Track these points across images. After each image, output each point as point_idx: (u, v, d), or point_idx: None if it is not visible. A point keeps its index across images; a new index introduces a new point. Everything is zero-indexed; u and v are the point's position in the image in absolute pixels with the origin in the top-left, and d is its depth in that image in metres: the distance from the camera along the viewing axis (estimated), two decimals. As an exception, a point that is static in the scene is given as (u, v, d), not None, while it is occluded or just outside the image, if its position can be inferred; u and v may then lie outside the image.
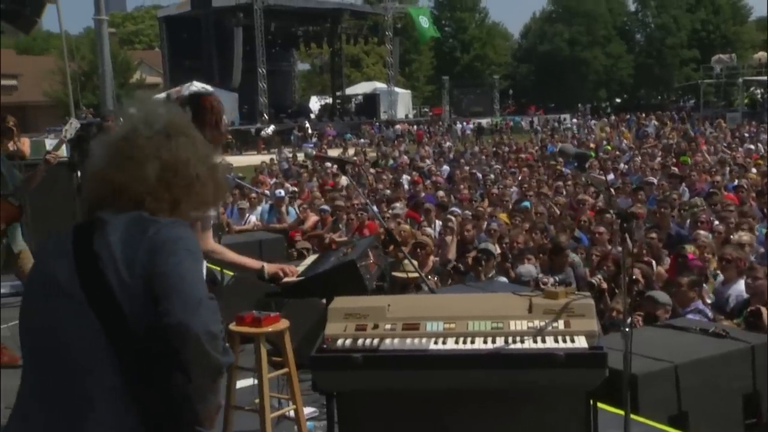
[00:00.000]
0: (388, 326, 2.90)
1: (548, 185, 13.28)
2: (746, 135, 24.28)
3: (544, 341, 2.79)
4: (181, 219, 1.96)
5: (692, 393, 4.31)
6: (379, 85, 49.52)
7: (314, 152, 18.64)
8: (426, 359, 2.79)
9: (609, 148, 21.89)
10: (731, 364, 4.50)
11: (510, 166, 17.74)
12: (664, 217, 9.07)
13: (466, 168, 17.98)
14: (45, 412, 1.82)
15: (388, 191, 14.08)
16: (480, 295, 4.21)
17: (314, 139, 36.93)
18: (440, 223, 10.16)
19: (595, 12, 62.76)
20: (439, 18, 62.69)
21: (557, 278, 6.85)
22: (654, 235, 7.98)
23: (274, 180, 17.12)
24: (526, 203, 10.90)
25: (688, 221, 9.16)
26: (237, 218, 12.19)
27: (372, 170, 18.61)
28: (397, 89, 48.54)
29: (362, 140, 37.88)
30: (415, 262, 5.40)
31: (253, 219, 12.24)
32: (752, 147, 18.36)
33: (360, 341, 2.85)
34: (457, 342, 2.82)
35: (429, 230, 9.68)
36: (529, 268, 7.11)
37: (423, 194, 13.33)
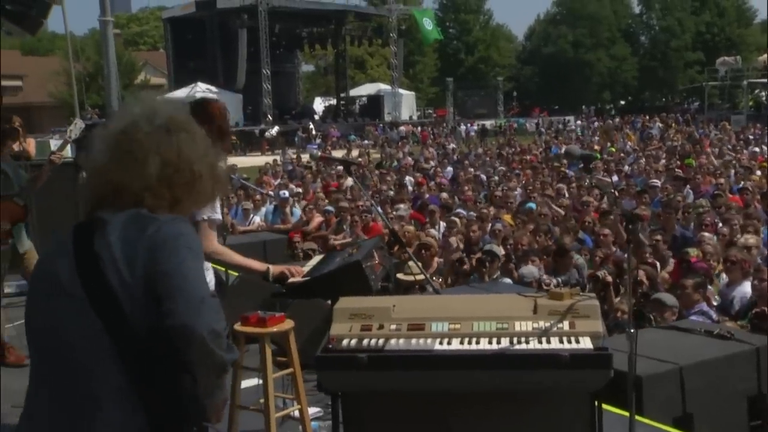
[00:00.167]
0: (393, 326, 2.90)
1: (552, 187, 13.27)
2: (751, 137, 24.22)
3: (549, 342, 2.79)
4: (180, 215, 1.95)
5: (697, 395, 4.31)
6: (383, 87, 49.55)
7: (319, 153, 18.67)
8: (431, 359, 2.79)
9: (613, 150, 21.87)
10: (736, 366, 4.50)
11: (513, 168, 17.73)
12: (669, 220, 9.06)
13: (470, 170, 17.99)
14: (52, 412, 1.82)
15: (391, 192, 14.09)
16: (485, 296, 4.21)
17: (318, 141, 36.98)
18: (444, 224, 10.17)
19: (599, 14, 62.71)
20: (443, 20, 62.71)
21: (560, 279, 6.85)
22: (659, 237, 7.98)
23: (278, 181, 17.14)
24: (531, 205, 10.89)
25: (692, 223, 9.16)
26: (241, 219, 12.21)
27: (376, 171, 18.62)
28: (401, 91, 48.55)
29: (366, 141, 37.91)
30: (420, 264, 5.40)
31: (257, 220, 12.25)
32: (757, 149, 18.30)
33: (365, 341, 2.85)
34: (462, 342, 2.82)
35: (433, 232, 9.68)
36: (531, 269, 7.11)
37: (427, 195, 13.34)
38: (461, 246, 8.88)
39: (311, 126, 40.65)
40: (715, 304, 6.32)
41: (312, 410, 4.02)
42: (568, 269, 7.30)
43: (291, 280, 3.40)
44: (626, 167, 16.67)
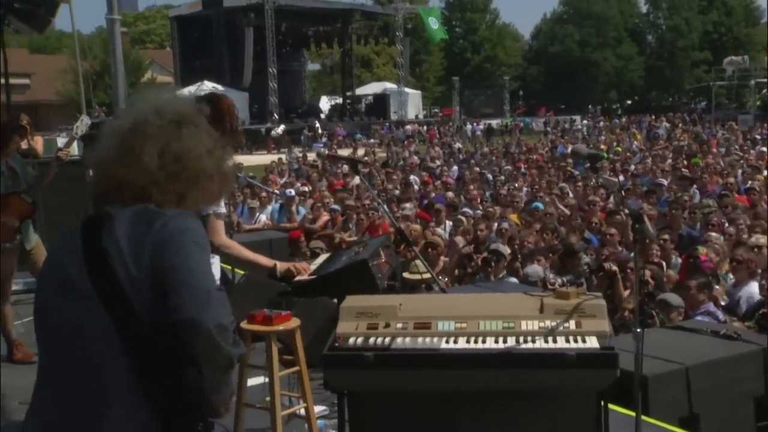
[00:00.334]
0: (399, 325, 2.90)
1: (556, 186, 13.25)
2: (758, 137, 24.13)
3: (555, 341, 2.79)
4: (187, 211, 1.95)
5: (703, 395, 4.30)
6: (390, 86, 49.54)
7: (326, 152, 18.68)
8: (437, 358, 2.79)
9: (619, 149, 21.82)
10: (743, 367, 4.49)
11: (518, 167, 17.71)
12: (675, 219, 9.04)
13: (476, 169, 17.97)
14: (58, 408, 1.83)
15: (397, 191, 14.09)
16: (491, 295, 4.21)
17: (324, 139, 37.00)
18: (450, 223, 10.17)
19: (606, 14, 62.57)
20: (449, 19, 62.68)
21: (565, 278, 6.84)
22: (666, 236, 7.96)
23: (284, 179, 17.16)
24: (538, 204, 10.88)
25: (699, 223, 9.13)
26: (247, 217, 12.23)
27: (382, 170, 18.63)
28: (407, 90, 48.55)
29: (372, 140, 37.91)
30: (426, 262, 5.39)
31: (263, 218, 12.27)
32: (764, 149, 18.22)
33: (371, 340, 2.86)
34: (468, 341, 2.82)
35: (439, 230, 9.68)
36: (536, 268, 7.09)
37: (433, 194, 13.34)
38: (467, 245, 8.87)
39: (317, 125, 40.69)
40: (723, 304, 6.30)
41: (318, 408, 4.02)
42: (576, 269, 7.28)
43: (297, 278, 3.40)
44: (632, 167, 16.64)
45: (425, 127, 44.34)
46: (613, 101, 66.02)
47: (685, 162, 16.23)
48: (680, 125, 34.98)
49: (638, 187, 12.21)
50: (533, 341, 2.79)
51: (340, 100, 49.16)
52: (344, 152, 25.92)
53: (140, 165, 1.91)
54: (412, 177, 16.27)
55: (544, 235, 8.75)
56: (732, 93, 49.24)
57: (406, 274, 6.32)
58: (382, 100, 48.05)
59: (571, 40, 62.47)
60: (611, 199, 11.11)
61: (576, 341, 2.78)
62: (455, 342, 2.83)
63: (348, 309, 2.98)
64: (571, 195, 12.20)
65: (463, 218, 9.97)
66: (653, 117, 40.33)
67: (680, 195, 10.98)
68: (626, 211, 6.91)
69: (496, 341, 2.81)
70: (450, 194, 13.12)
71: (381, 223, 10.20)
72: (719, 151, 19.02)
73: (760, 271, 6.55)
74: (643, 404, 3.63)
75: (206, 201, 2.12)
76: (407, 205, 11.45)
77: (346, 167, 16.00)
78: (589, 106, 58.80)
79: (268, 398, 3.59)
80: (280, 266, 3.40)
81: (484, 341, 2.82)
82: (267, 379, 3.59)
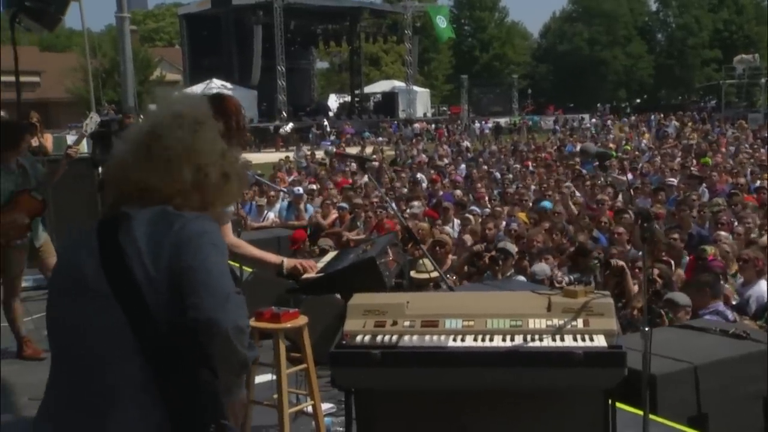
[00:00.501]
0: (407, 323, 2.90)
1: (564, 185, 13.21)
2: (768, 136, 24.01)
3: (562, 340, 2.78)
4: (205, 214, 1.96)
5: (712, 394, 4.28)
6: (398, 84, 49.52)
7: (334, 150, 18.69)
8: (444, 356, 2.79)
9: (628, 148, 21.76)
10: (751, 366, 4.46)
11: (527, 165, 17.67)
12: (684, 218, 9.01)
13: (484, 167, 17.95)
14: (71, 407, 1.83)
15: (405, 189, 14.09)
16: (499, 293, 4.21)
17: (332, 137, 37.02)
18: (458, 221, 10.16)
19: (615, 12, 62.35)
20: (458, 17, 62.59)
21: (572, 277, 6.82)
22: (676, 235, 7.93)
23: (292, 177, 17.18)
24: (546, 203, 10.85)
25: (708, 222, 9.09)
26: (255, 215, 12.25)
27: (391, 168, 18.63)
28: (415, 88, 48.52)
29: (380, 138, 37.91)
30: (434, 261, 5.39)
31: (271, 216, 12.29)
32: (774, 148, 18.15)
33: (379, 338, 2.86)
34: (475, 339, 2.82)
35: (447, 229, 9.68)
36: (543, 267, 7.08)
37: (441, 193, 13.33)
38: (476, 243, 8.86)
39: (326, 123, 40.72)
40: (734, 303, 6.27)
41: (325, 406, 4.03)
42: (588, 268, 7.24)
43: (305, 276, 3.41)
44: (641, 165, 16.58)
45: (433, 126, 44.31)
46: (622, 100, 65.80)
47: (695, 161, 16.16)
48: (690, 124, 34.82)
49: (647, 186, 12.17)
50: (540, 339, 2.79)
51: (348, 98, 49.19)
52: (352, 150, 25.93)
53: (165, 173, 1.92)
54: (419, 175, 16.26)
55: (554, 235, 8.73)
56: (742, 91, 48.95)
57: (413, 273, 6.32)
58: (390, 98, 48.05)
59: (580, 38, 62.28)
60: (620, 197, 11.07)
61: (583, 340, 2.77)
62: (462, 340, 2.83)
63: (355, 307, 2.98)
64: (578, 194, 12.17)
65: (471, 217, 9.96)
66: (662, 116, 40.19)
67: (689, 194, 10.94)
68: (635, 210, 6.88)
69: (504, 339, 2.81)
70: (458, 192, 13.10)
71: (389, 221, 10.19)
72: (729, 150, 18.92)
73: (768, 269, 6.52)
74: (652, 403, 3.62)
75: (228, 203, 2.14)
76: (415, 203, 11.45)
77: (354, 165, 16.01)
78: (598, 105, 58.60)
79: (275, 395, 3.60)
80: (287, 263, 3.41)
81: (491, 339, 2.82)
82: (274, 377, 3.60)
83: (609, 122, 41.03)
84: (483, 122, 45.53)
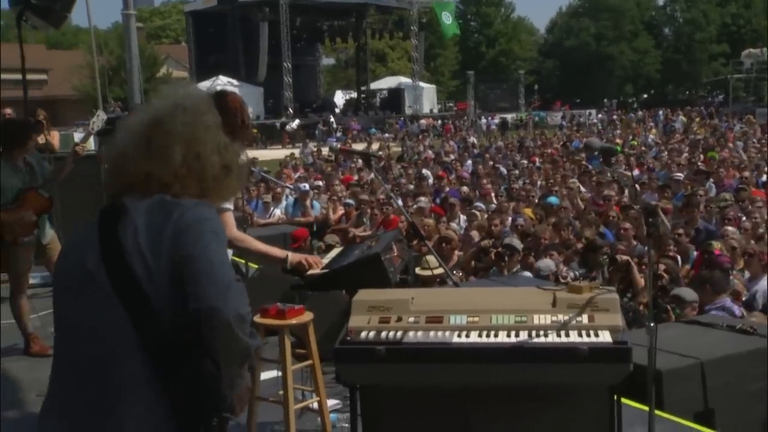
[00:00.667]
0: (411, 319, 2.90)
1: (570, 181, 13.17)
2: (776, 131, 23.87)
3: (567, 335, 2.77)
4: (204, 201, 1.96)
5: (719, 390, 4.27)
6: (404, 80, 49.49)
7: (339, 146, 18.68)
8: (449, 352, 2.79)
9: (635, 143, 21.69)
10: (759, 362, 4.44)
11: (532, 161, 17.63)
12: (691, 213, 8.97)
13: (490, 163, 17.92)
14: (79, 406, 1.83)
15: (411, 186, 14.07)
16: (504, 289, 4.20)
17: (339, 134, 37.02)
18: (465, 217, 10.14)
19: (622, 6, 62.12)
20: (464, 13, 62.47)
21: (578, 272, 6.80)
22: (681, 230, 7.90)
23: (298, 174, 17.19)
24: (553, 199, 10.83)
25: (715, 217, 9.06)
26: (262, 212, 12.26)
27: (398, 165, 18.63)
28: (422, 84, 48.46)
29: (387, 135, 37.89)
30: (439, 257, 5.38)
31: (277, 213, 12.30)
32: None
33: (383, 334, 2.85)
34: (480, 335, 2.81)
35: (453, 225, 9.66)
36: (547, 262, 7.06)
37: (447, 189, 13.31)
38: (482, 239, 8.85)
39: (332, 119, 40.72)
40: (744, 299, 6.25)
41: (331, 402, 4.03)
42: (597, 264, 7.20)
43: (310, 272, 3.41)
44: (648, 160, 16.52)
45: (440, 122, 44.25)
46: (629, 95, 65.58)
47: (702, 156, 16.10)
48: (697, 119, 34.68)
49: (654, 182, 12.13)
50: (545, 335, 2.78)
51: (354, 95, 49.17)
52: (359, 147, 25.93)
53: (163, 160, 1.92)
54: (425, 171, 16.24)
55: (561, 231, 8.71)
56: (750, 86, 48.68)
57: (418, 270, 6.32)
58: (396, 94, 48.02)
59: (587, 33, 62.08)
60: (626, 193, 11.04)
61: (588, 335, 2.76)
62: (467, 336, 2.82)
63: (360, 303, 2.98)
64: (583, 189, 12.13)
65: (477, 213, 9.95)
66: (669, 111, 40.04)
67: (696, 189, 10.90)
68: (640, 205, 6.85)
69: (509, 335, 2.80)
70: (465, 188, 13.09)
71: (395, 217, 10.19)
72: (736, 145, 18.84)
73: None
74: (658, 399, 3.62)
75: (226, 199, 2.14)
76: (422, 198, 11.44)
77: (360, 161, 16.01)
78: (605, 100, 58.43)
79: (281, 392, 3.61)
80: (292, 258, 3.41)
81: (496, 335, 2.81)
82: (280, 373, 3.61)
83: (615, 117, 40.90)
84: (489, 118, 45.47)
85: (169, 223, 1.83)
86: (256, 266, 5.99)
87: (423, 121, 42.27)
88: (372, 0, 46.15)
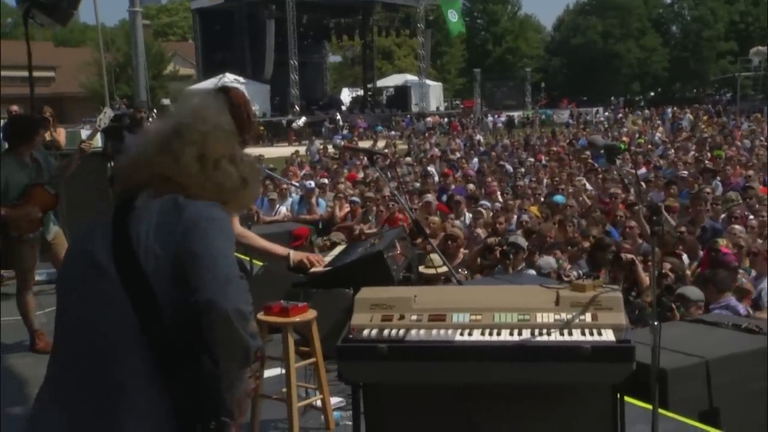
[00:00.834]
0: (414, 317, 2.89)
1: (576, 179, 13.14)
2: (784, 129, 23.76)
3: (570, 334, 2.76)
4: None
5: (724, 389, 4.25)
6: (411, 78, 49.44)
7: (343, 143, 18.66)
8: (451, 350, 2.78)
9: (642, 141, 21.63)
10: (764, 361, 4.43)
11: (539, 159, 17.60)
12: (698, 212, 8.95)
13: (496, 161, 17.89)
14: (76, 396, 1.84)
15: (417, 183, 14.07)
16: (507, 287, 4.19)
17: (345, 131, 37.00)
18: (470, 215, 10.13)
19: (629, 4, 61.93)
20: (471, 10, 62.38)
21: (581, 271, 6.78)
22: (683, 228, 7.87)
23: (303, 171, 17.19)
24: (559, 197, 10.80)
25: (722, 216, 9.02)
26: (267, 209, 12.27)
27: (404, 161, 18.62)
28: (428, 81, 48.42)
29: (393, 132, 37.87)
30: (443, 255, 5.38)
31: (283, 210, 12.31)
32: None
33: (386, 332, 2.84)
34: (483, 333, 2.80)
35: (458, 222, 9.65)
36: (548, 260, 7.04)
37: (453, 187, 13.30)
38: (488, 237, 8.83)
39: (338, 117, 40.71)
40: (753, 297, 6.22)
41: (334, 400, 4.04)
42: (605, 262, 7.18)
43: (313, 269, 3.40)
44: (655, 158, 16.47)
45: (446, 119, 44.21)
46: (636, 93, 65.38)
47: (709, 154, 16.05)
48: (705, 117, 34.54)
49: (660, 180, 12.10)
50: (548, 334, 2.77)
51: (361, 92, 49.15)
52: (365, 144, 25.91)
53: (182, 164, 1.94)
54: (430, 168, 16.22)
55: (568, 227, 8.69)
56: (758, 84, 48.40)
57: (421, 269, 6.30)
58: (403, 92, 47.98)
59: (594, 31, 61.91)
60: (632, 191, 11.00)
61: (591, 334, 2.74)
62: (470, 334, 2.81)
63: (362, 300, 2.98)
64: (589, 187, 12.10)
65: (483, 210, 9.94)
66: (677, 108, 39.89)
67: (703, 187, 10.86)
68: (645, 203, 6.83)
69: (511, 333, 2.79)
70: (470, 186, 13.08)
71: (401, 215, 10.18)
72: (743, 144, 18.78)
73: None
74: (662, 398, 3.61)
75: (243, 207, 2.17)
76: (429, 195, 11.43)
77: (366, 159, 15.98)
78: (612, 98, 58.26)
79: (284, 389, 3.61)
80: (294, 256, 3.41)
81: (498, 333, 2.80)
82: (283, 371, 3.61)
83: (621, 115, 40.77)
84: (496, 116, 45.39)
85: (180, 223, 1.84)
86: (260, 264, 5.99)
87: (429, 119, 42.23)
88: (378, -3, 46.18)
